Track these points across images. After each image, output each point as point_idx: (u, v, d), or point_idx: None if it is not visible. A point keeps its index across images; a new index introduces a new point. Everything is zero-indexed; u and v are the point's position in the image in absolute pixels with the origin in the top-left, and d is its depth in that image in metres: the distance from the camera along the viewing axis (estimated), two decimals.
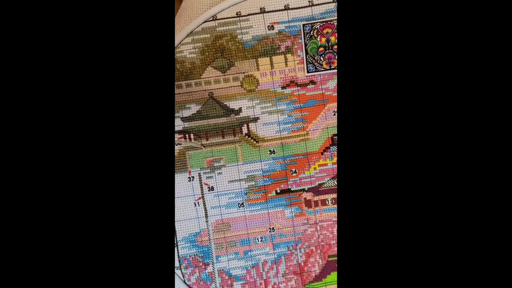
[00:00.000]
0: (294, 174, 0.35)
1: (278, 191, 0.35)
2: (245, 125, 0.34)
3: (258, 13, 0.34)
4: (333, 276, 0.35)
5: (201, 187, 0.34)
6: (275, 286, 0.35)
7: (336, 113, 0.34)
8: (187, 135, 0.34)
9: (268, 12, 0.34)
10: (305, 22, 0.34)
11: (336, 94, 0.34)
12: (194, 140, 0.34)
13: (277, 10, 0.34)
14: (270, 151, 0.35)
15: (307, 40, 0.34)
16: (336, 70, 0.34)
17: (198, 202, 0.34)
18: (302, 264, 0.35)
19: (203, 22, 0.34)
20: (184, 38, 0.34)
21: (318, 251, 0.35)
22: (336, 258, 0.35)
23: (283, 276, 0.35)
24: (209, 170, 0.34)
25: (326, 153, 0.35)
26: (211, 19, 0.34)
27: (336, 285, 0.35)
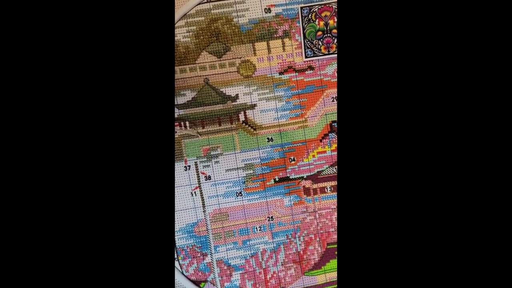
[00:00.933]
0: (293, 162, 0.34)
1: (277, 180, 0.34)
2: (242, 112, 0.33)
3: None
4: (333, 263, 0.34)
5: (198, 176, 0.34)
6: (275, 275, 0.34)
7: (334, 99, 0.34)
8: (182, 123, 0.33)
9: None
10: (303, 5, 0.33)
11: (334, 79, 0.34)
12: (190, 128, 0.33)
13: None
14: (268, 138, 0.34)
15: (305, 23, 0.33)
16: (334, 55, 0.33)
17: (195, 192, 0.34)
18: (301, 252, 0.34)
19: (197, 4, 0.32)
20: (178, 21, 0.32)
21: (317, 239, 0.34)
22: (335, 246, 0.34)
23: (282, 264, 0.34)
24: (205, 159, 0.33)
25: (325, 140, 0.34)
26: (205, 1, 0.32)
27: (335, 273, 0.35)
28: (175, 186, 0.33)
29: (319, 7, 0.33)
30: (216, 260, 0.34)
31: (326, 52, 0.33)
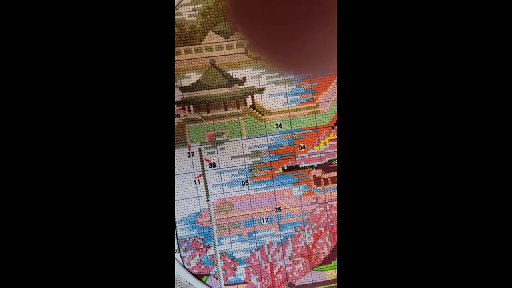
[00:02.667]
0: (303, 150, 0.32)
1: (285, 168, 0.32)
2: (250, 96, 0.32)
3: None
4: None
5: (202, 163, 0.32)
6: (282, 269, 0.32)
7: None
8: (186, 107, 0.31)
9: None
10: None
11: None
12: (194, 112, 0.31)
13: None
14: (276, 124, 0.32)
15: None
16: None
17: (198, 180, 0.32)
18: (310, 246, 0.32)
19: None
20: None
21: (327, 232, 0.32)
22: None
23: (290, 258, 0.32)
24: (210, 145, 0.32)
25: (337, 127, 0.32)
26: None
27: None
28: (178, 173, 0.32)
29: None
30: (220, 253, 0.32)
31: None
